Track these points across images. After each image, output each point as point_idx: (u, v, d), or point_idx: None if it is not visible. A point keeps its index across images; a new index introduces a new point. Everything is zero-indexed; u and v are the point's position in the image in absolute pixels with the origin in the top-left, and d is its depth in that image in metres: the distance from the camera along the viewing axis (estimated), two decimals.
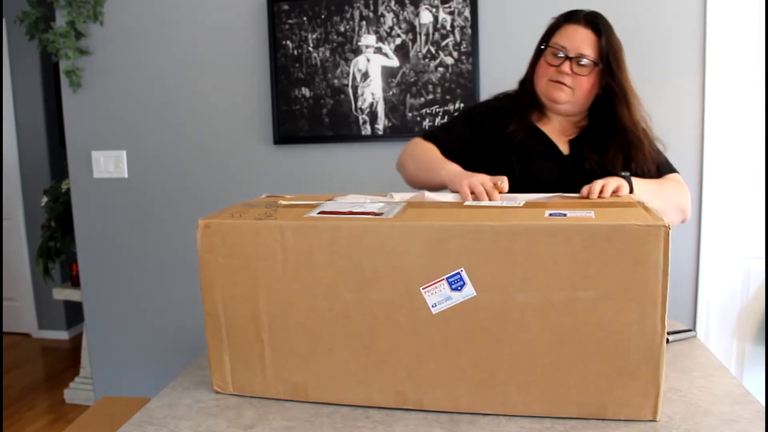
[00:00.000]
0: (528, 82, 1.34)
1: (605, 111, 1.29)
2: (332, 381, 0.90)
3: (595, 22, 1.25)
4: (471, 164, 1.25)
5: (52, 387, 3.00)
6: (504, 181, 1.05)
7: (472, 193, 1.04)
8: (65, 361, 3.36)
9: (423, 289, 0.84)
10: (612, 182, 1.04)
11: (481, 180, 1.06)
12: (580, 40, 1.23)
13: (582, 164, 1.26)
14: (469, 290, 0.82)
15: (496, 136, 1.31)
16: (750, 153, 1.90)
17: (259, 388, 0.94)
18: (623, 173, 1.11)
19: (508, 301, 0.82)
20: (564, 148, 1.30)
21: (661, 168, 1.29)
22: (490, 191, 1.03)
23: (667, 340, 1.11)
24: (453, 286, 0.83)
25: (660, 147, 1.32)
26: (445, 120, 1.37)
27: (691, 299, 1.98)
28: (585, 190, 1.03)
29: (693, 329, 1.19)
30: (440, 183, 1.21)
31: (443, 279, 0.83)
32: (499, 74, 2.01)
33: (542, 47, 1.30)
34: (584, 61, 1.23)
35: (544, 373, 0.83)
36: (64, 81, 2.25)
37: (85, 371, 2.79)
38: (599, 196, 1.01)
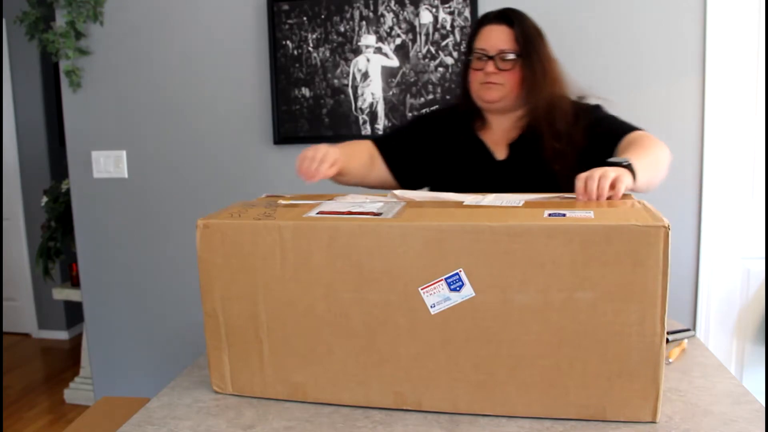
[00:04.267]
0: (464, 94, 1.36)
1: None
2: (331, 381, 0.90)
3: (506, 16, 1.27)
4: (416, 167, 1.35)
5: (52, 387, 3.00)
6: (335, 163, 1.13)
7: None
8: (65, 361, 3.36)
9: (422, 289, 0.84)
10: (609, 174, 0.95)
11: (316, 151, 1.13)
12: (496, 38, 1.25)
13: (519, 167, 1.28)
14: (467, 291, 0.82)
15: (439, 145, 1.35)
16: (750, 153, 1.90)
17: (258, 388, 0.94)
18: (623, 161, 1.01)
19: (507, 301, 0.82)
20: (501, 153, 1.32)
21: (623, 131, 1.22)
22: (314, 168, 1.11)
23: (667, 340, 1.11)
24: (452, 287, 0.83)
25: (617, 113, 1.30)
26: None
27: (691, 299, 1.97)
28: (581, 185, 0.95)
29: (692, 329, 1.19)
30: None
31: (442, 279, 0.83)
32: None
33: (468, 57, 1.31)
34: (506, 57, 1.25)
35: (543, 374, 0.83)
36: (64, 81, 2.25)
37: (85, 371, 2.79)
38: (598, 194, 0.93)
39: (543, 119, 1.27)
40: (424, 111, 1.53)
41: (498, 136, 1.34)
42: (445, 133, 1.37)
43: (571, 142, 1.25)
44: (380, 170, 1.36)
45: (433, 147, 1.36)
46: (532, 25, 1.29)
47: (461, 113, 1.37)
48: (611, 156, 1.14)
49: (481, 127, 1.36)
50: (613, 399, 0.82)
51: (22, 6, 2.29)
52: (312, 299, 0.88)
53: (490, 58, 1.26)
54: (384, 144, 1.37)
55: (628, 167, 0.99)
